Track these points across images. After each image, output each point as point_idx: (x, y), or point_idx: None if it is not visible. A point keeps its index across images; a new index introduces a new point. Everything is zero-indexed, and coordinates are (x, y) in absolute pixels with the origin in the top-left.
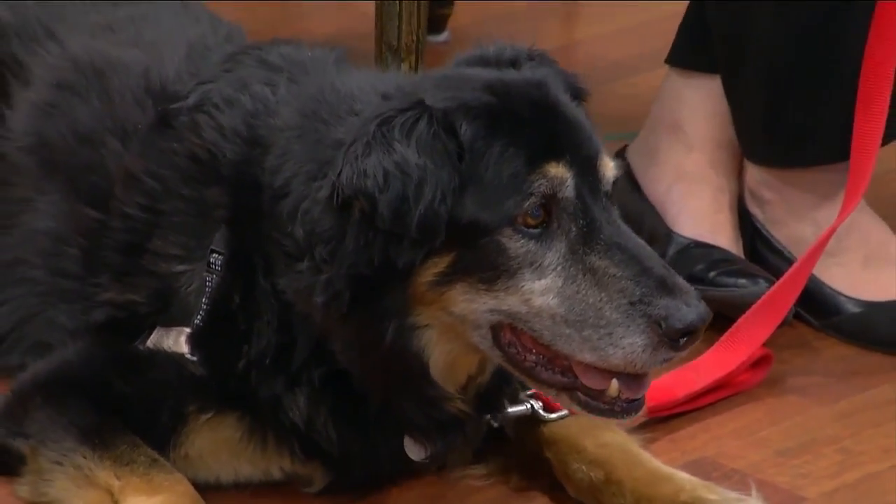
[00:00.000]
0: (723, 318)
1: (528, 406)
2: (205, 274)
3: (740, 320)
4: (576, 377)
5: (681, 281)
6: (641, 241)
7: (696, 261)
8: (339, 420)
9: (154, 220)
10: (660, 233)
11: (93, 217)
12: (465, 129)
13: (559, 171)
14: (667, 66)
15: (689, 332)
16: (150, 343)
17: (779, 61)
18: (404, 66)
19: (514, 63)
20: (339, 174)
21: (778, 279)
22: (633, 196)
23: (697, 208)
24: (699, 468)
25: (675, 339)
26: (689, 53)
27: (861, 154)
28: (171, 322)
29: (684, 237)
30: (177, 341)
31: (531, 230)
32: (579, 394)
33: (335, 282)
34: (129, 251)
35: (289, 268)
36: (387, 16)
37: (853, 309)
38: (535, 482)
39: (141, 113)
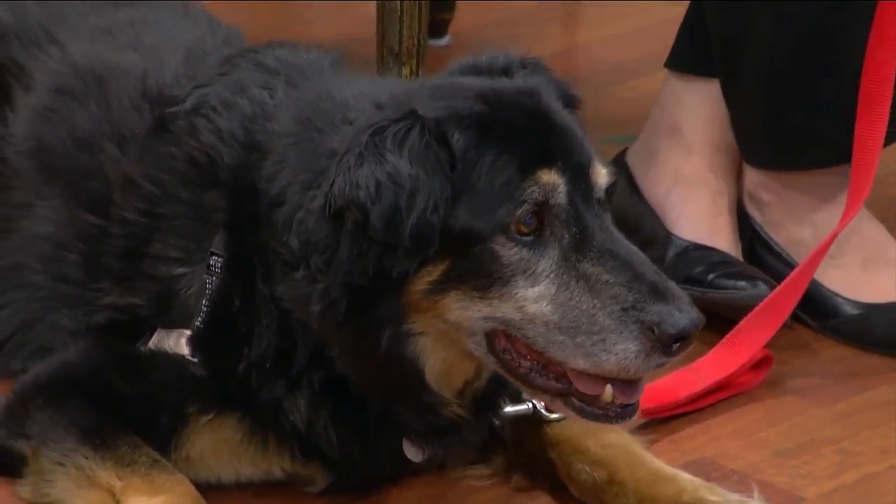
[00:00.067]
0: (722, 319)
1: (529, 405)
2: (205, 276)
3: (742, 323)
4: (570, 383)
5: (673, 286)
6: (634, 248)
7: (696, 263)
8: (340, 423)
9: (153, 224)
10: (659, 235)
11: (92, 222)
12: (457, 139)
13: (551, 178)
14: (666, 70)
15: (682, 338)
16: (150, 344)
17: (778, 65)
18: (405, 70)
19: (506, 71)
20: (332, 185)
21: (777, 282)
22: (632, 199)
23: (696, 211)
24: (698, 468)
25: (668, 345)
26: (688, 57)
27: (863, 159)
28: (172, 324)
29: (683, 240)
30: (177, 343)
31: (524, 238)
32: (573, 399)
33: (331, 291)
34: (129, 256)
35: (286, 275)
36: (388, 19)
37: (851, 311)
38: (536, 482)
39: (138, 118)
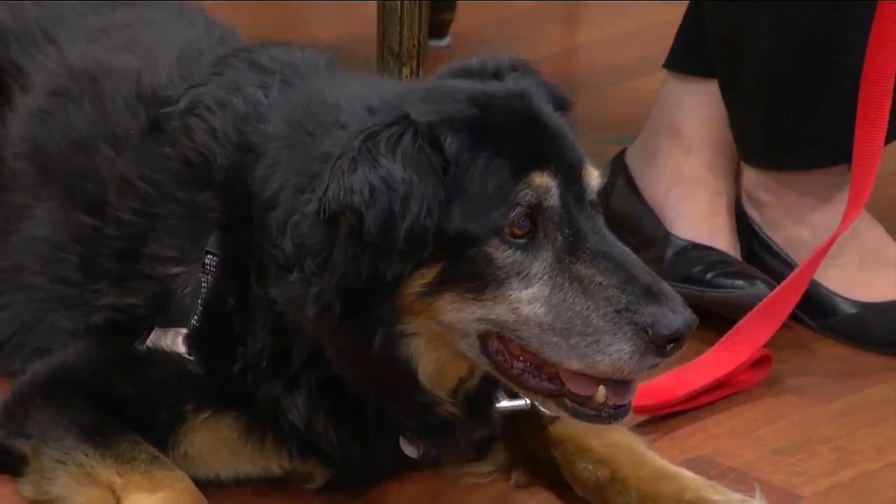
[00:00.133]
0: (721, 319)
1: (526, 401)
2: (200, 275)
3: (741, 322)
4: (563, 384)
5: (666, 288)
6: (627, 249)
7: (694, 262)
8: (339, 422)
9: (149, 224)
10: (658, 235)
11: (88, 224)
12: (449, 143)
13: (544, 181)
14: (665, 71)
15: (676, 339)
16: (148, 343)
17: (777, 65)
18: (406, 71)
19: (497, 74)
20: (326, 190)
21: (776, 281)
22: (631, 199)
23: (695, 211)
24: (696, 466)
25: (662, 346)
26: (686, 58)
27: (863, 160)
28: (169, 323)
29: (682, 239)
30: (174, 341)
31: (518, 240)
32: (566, 400)
33: (325, 294)
34: (126, 256)
35: (279, 278)
36: (388, 20)
37: (849, 310)
38: (537, 480)
39: (132, 119)
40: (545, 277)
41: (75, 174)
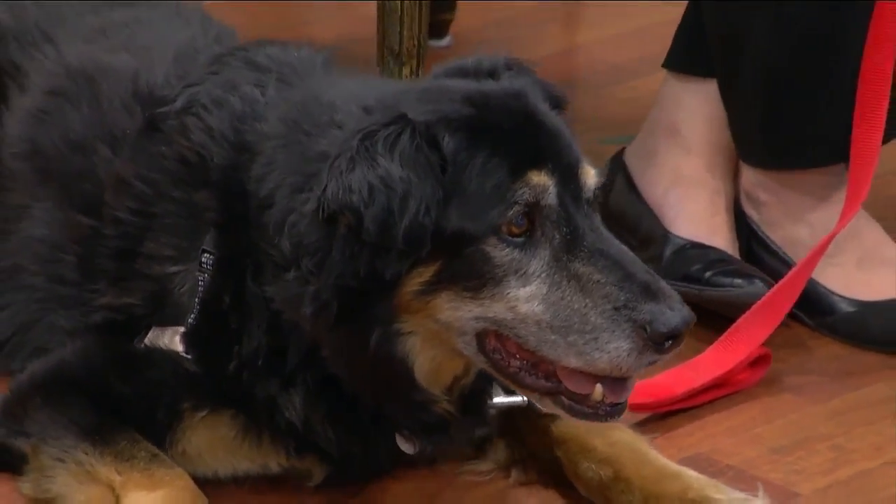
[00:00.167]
0: (720, 317)
1: (524, 397)
2: (197, 274)
3: (740, 320)
4: (560, 382)
5: (664, 285)
6: (624, 247)
7: (693, 261)
8: (336, 419)
9: (146, 224)
10: (657, 234)
11: (86, 224)
12: (447, 142)
13: (541, 180)
14: (664, 71)
15: (674, 336)
16: (146, 342)
17: (775, 65)
18: (405, 71)
19: (492, 73)
20: (325, 189)
21: (774, 280)
22: (630, 198)
23: (694, 211)
24: (694, 464)
25: (661, 343)
26: (686, 58)
27: (861, 160)
28: (167, 322)
29: (681, 238)
30: (172, 340)
31: (515, 239)
32: (563, 398)
33: (322, 293)
34: (123, 256)
35: (276, 277)
36: (388, 20)
37: (847, 309)
38: (536, 478)
39: (129, 119)
40: (543, 275)
41: (73, 174)
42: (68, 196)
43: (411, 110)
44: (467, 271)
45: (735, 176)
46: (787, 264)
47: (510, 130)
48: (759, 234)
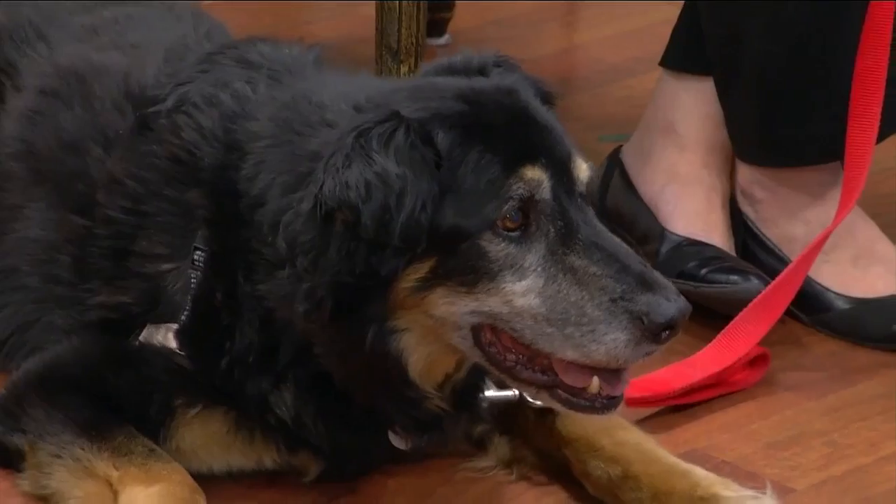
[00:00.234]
0: (718, 316)
1: (515, 392)
2: (189, 271)
3: (737, 318)
4: (556, 375)
5: (659, 276)
6: (618, 240)
7: (689, 258)
8: (327, 416)
9: (138, 222)
10: (653, 231)
11: (79, 224)
12: (441, 138)
13: (535, 174)
14: (661, 69)
15: (671, 326)
16: (140, 339)
17: (772, 64)
18: (404, 69)
19: (481, 70)
20: (322, 187)
21: (770, 277)
22: (627, 195)
23: (690, 208)
24: (690, 460)
25: (658, 334)
26: (682, 56)
27: (855, 158)
28: (161, 319)
29: (677, 235)
30: (165, 337)
31: (511, 233)
32: (559, 391)
33: (317, 290)
34: (117, 255)
35: (269, 275)
36: (387, 19)
37: (842, 305)
38: (537, 475)
39: (121, 119)
40: (539, 269)
41: (65, 175)
42: (61, 196)
43: (404, 108)
44: (463, 267)
45: (731, 173)
46: (783, 261)
47: (503, 126)
48: (755, 231)
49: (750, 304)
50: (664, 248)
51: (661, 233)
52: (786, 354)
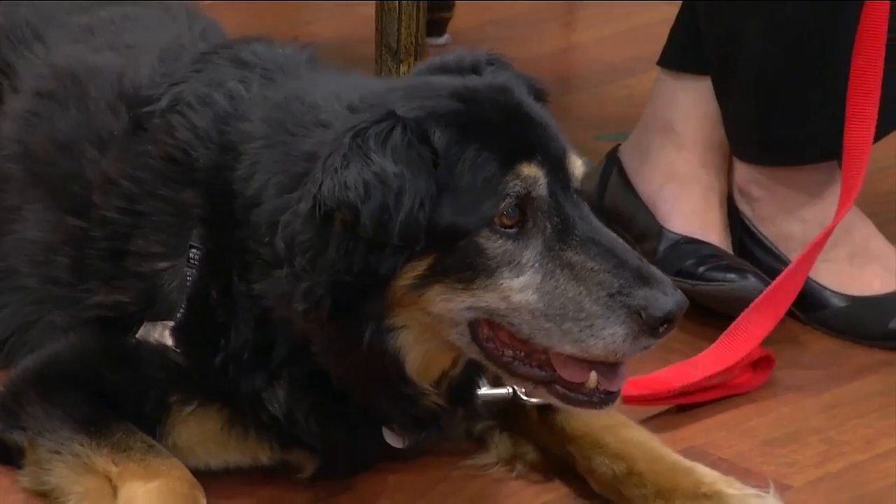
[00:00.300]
0: (718, 315)
1: (509, 389)
2: (185, 269)
3: (738, 319)
4: (553, 371)
5: (656, 271)
6: (614, 235)
7: (686, 256)
8: (321, 413)
9: (133, 222)
10: (651, 230)
11: (76, 225)
12: (438, 137)
13: (532, 171)
14: (659, 68)
15: (669, 320)
16: (137, 337)
17: (770, 63)
18: (403, 68)
19: (474, 69)
20: (320, 187)
21: (766, 275)
22: (625, 194)
23: (688, 206)
24: (688, 457)
25: (655, 328)
26: (680, 55)
27: (853, 158)
28: (158, 317)
29: (675, 233)
30: (162, 334)
31: (508, 230)
32: (557, 386)
33: (316, 289)
34: (113, 255)
35: (266, 274)
36: (387, 18)
37: (839, 304)
38: (537, 472)
39: (115, 120)
40: (536, 265)
41: (61, 176)
42: (58, 198)
43: (399, 107)
44: (460, 264)
45: (728, 172)
46: (780, 259)
47: (498, 124)
48: (752, 229)
49: (751, 305)
50: (662, 247)
51: (659, 231)
52: (783, 352)
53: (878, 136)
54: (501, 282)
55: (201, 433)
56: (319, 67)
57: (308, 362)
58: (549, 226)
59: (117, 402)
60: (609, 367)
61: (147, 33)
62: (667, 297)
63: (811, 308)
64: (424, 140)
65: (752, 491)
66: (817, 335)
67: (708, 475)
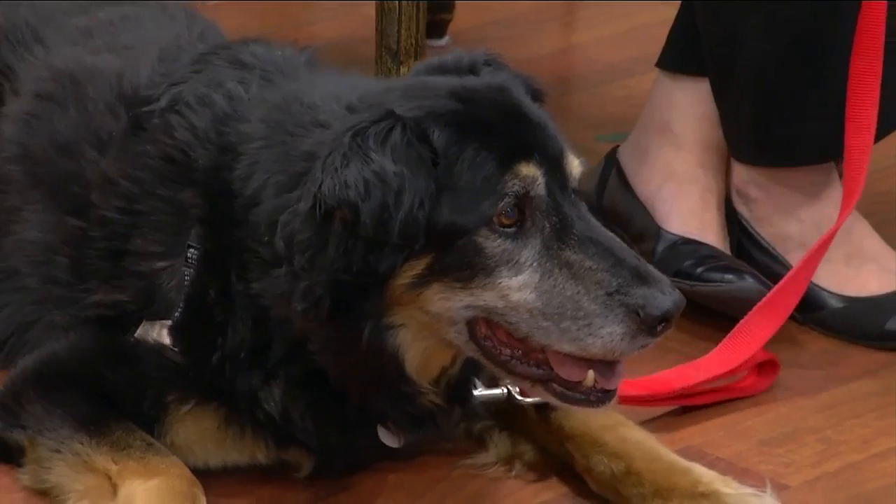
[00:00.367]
0: (713, 312)
1: (503, 390)
2: (183, 269)
3: (741, 322)
4: (551, 369)
5: (653, 270)
6: (612, 234)
7: (685, 257)
8: (317, 412)
9: (132, 221)
10: (650, 230)
11: (75, 226)
12: (437, 136)
13: (530, 171)
14: (657, 70)
15: (666, 319)
16: (136, 336)
17: (767, 64)
18: (403, 69)
19: (472, 69)
20: (321, 186)
21: (764, 275)
22: (624, 195)
23: (686, 207)
24: (685, 457)
25: (653, 326)
26: (679, 57)
27: (854, 158)
28: (156, 316)
29: (673, 234)
30: (160, 334)
31: (507, 229)
32: (554, 385)
33: (315, 289)
34: (112, 255)
35: (264, 273)
36: (387, 19)
37: (836, 304)
38: (536, 470)
39: (114, 121)
40: (534, 264)
41: (61, 177)
42: (57, 198)
43: (398, 107)
44: (459, 263)
45: (726, 173)
46: (777, 260)
47: (497, 124)
48: (750, 230)
49: (754, 308)
50: (660, 247)
51: (657, 231)
52: (780, 353)
53: (879, 136)
54: (500, 281)
55: (198, 432)
56: (318, 69)
57: (305, 361)
58: (547, 225)
59: (116, 400)
60: (606, 366)
61: (145, 34)
62: (665, 296)
63: (808, 308)
64: (424, 139)
65: (749, 490)
66: (814, 335)
67: (705, 475)
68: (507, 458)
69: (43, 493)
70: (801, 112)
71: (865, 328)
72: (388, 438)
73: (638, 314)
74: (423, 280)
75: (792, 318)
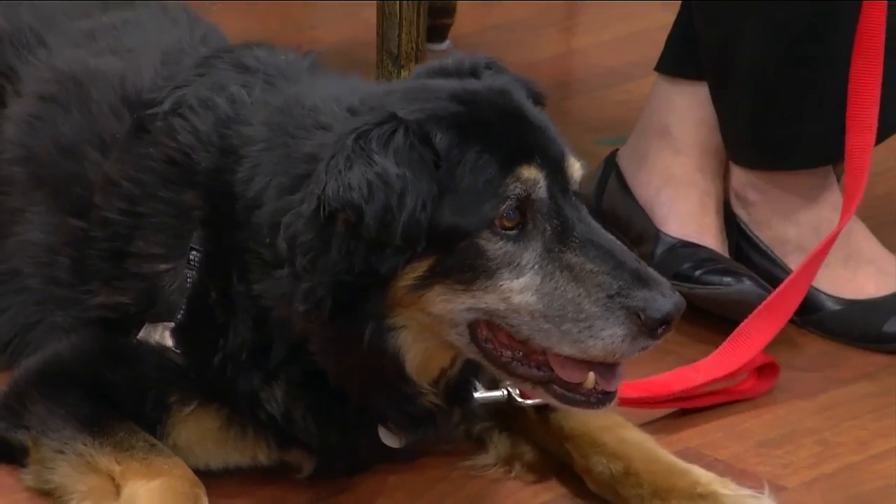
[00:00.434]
0: (711, 315)
1: (503, 392)
2: (185, 271)
3: (741, 326)
4: (551, 371)
5: (654, 273)
6: (612, 237)
7: (683, 260)
8: (318, 413)
9: (134, 223)
10: (648, 233)
11: (77, 227)
12: (439, 139)
13: (532, 174)
14: (656, 74)
15: (667, 321)
16: (138, 338)
17: (766, 67)
18: (404, 73)
19: (473, 72)
20: (324, 188)
21: (763, 278)
22: (623, 198)
23: (685, 210)
24: (684, 458)
25: (654, 329)
26: (677, 61)
27: (854, 162)
28: (158, 318)
29: (672, 237)
30: (162, 335)
31: (508, 232)
32: (555, 387)
33: (317, 290)
34: (114, 256)
35: (265, 275)
36: (388, 23)
37: (834, 307)
38: (539, 472)
39: (118, 123)
40: (536, 267)
41: (64, 179)
42: (60, 200)
43: (399, 109)
44: (461, 265)
45: (725, 176)
46: (776, 263)
47: (498, 126)
48: (748, 233)
49: (754, 311)
50: (659, 250)
51: (656, 234)
52: (778, 354)
53: (879, 139)
54: (501, 283)
55: (200, 433)
56: (320, 73)
57: (306, 362)
58: (548, 228)
59: (118, 401)
60: (607, 368)
61: (148, 37)
62: (665, 298)
63: (806, 311)
64: (426, 142)
65: (747, 492)
66: (812, 338)
67: (704, 476)
68: (506, 459)
69: (46, 493)
70: (799, 114)
71: (863, 330)
72: (388, 439)
73: (638, 316)
74: (425, 282)
75: (790, 320)
